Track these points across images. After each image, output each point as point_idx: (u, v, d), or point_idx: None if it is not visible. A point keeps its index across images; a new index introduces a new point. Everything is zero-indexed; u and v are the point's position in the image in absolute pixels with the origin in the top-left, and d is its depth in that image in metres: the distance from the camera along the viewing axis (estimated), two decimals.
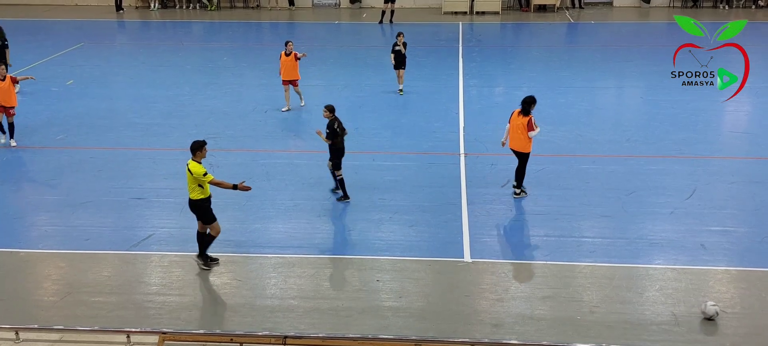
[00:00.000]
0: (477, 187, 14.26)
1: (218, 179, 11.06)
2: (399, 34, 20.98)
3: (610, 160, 15.64)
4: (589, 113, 19.24)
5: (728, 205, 13.45)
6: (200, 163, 10.96)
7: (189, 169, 10.88)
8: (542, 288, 10.78)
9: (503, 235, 12.42)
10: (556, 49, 28.47)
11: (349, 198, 13.73)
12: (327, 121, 13.45)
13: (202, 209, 11.08)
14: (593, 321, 9.94)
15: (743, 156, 16.11)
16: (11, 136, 16.73)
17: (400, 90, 21.09)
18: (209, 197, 11.11)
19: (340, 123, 13.48)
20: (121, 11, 36.11)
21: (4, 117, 16.69)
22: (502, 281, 10.99)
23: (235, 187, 10.97)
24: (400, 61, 20.79)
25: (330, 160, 13.76)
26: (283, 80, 19.20)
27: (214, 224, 11.19)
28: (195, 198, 11.02)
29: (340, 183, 13.72)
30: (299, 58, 19.04)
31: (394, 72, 21.19)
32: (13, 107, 16.69)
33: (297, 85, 19.38)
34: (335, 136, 13.36)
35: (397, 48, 20.70)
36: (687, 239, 12.15)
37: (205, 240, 11.32)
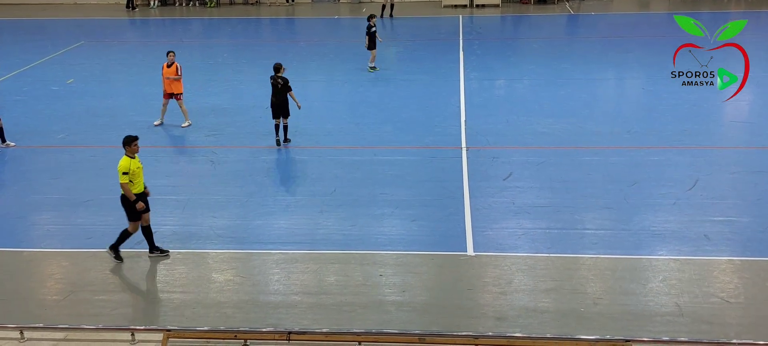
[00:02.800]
0: (479, 180, 14.25)
1: (128, 187, 11.05)
2: (372, 17, 22.52)
3: (612, 152, 15.62)
4: (590, 105, 19.21)
5: (730, 195, 13.44)
6: (133, 157, 11.10)
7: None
8: (545, 281, 10.77)
9: (506, 228, 12.40)
10: (557, 41, 28.43)
11: (289, 140, 16.48)
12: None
13: (123, 204, 11.23)
14: (597, 313, 9.94)
15: (745, 146, 16.09)
16: (3, 140, 16.52)
17: (375, 67, 22.69)
18: (142, 192, 11.25)
19: (277, 80, 16.12)
20: (135, 10, 36.00)
21: None
22: (505, 274, 10.98)
23: (134, 202, 11.08)
24: (374, 42, 22.34)
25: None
26: (165, 93, 17.84)
27: (135, 222, 11.30)
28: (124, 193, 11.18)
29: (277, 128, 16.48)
30: (175, 78, 17.61)
31: (369, 53, 22.72)
32: None
33: (180, 100, 17.85)
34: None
35: (373, 30, 22.22)
36: (690, 230, 12.13)
37: (123, 232, 11.43)
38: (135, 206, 11.14)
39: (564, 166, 14.89)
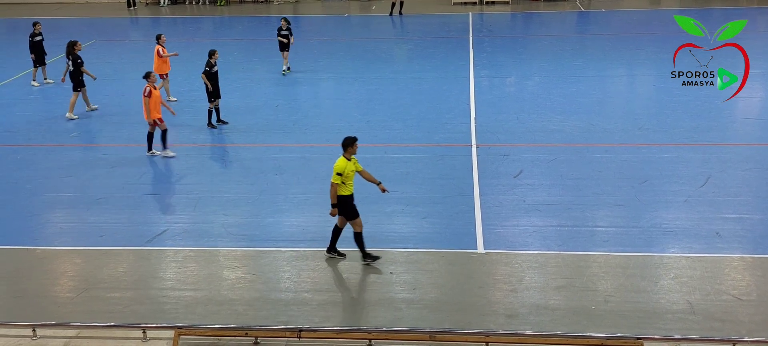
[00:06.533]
0: (489, 178, 14.24)
1: (336, 188, 10.74)
2: (284, 19, 22.54)
3: (623, 149, 15.58)
4: (601, 102, 19.16)
5: (742, 192, 13.38)
6: (349, 159, 10.78)
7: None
8: (556, 278, 10.75)
9: (516, 225, 12.39)
10: (567, 38, 28.36)
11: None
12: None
13: (342, 205, 10.91)
14: (608, 310, 9.92)
15: (757, 142, 16.01)
16: (164, 146, 16.08)
17: (288, 69, 22.71)
18: (352, 194, 10.92)
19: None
20: (133, 8, 36.26)
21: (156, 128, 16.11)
22: (515, 272, 10.98)
23: (333, 205, 10.83)
24: (285, 45, 22.37)
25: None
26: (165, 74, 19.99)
27: (356, 220, 10.98)
28: (338, 193, 10.85)
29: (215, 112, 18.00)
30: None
31: (281, 54, 22.72)
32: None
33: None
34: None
35: (283, 32, 22.23)
36: (701, 227, 12.09)
37: (336, 236, 11.18)
38: (348, 205, 10.83)
39: (575, 164, 14.86)
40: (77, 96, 19.11)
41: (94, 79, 19.62)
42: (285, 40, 22.30)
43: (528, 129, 17.00)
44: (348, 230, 11.17)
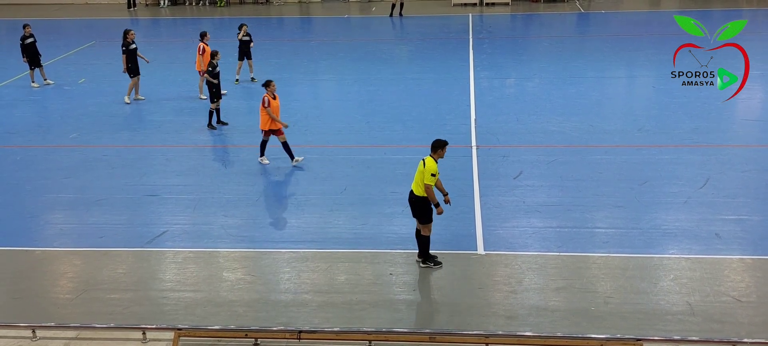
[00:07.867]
0: (489, 179, 14.25)
1: (432, 190, 10.58)
2: (242, 26, 21.70)
3: (622, 151, 15.58)
4: (601, 103, 19.17)
5: (742, 193, 13.38)
6: (437, 162, 10.72)
7: (423, 163, 10.68)
8: (556, 279, 10.76)
9: (516, 227, 12.39)
10: (567, 39, 28.37)
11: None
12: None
13: (422, 207, 10.79)
14: (607, 312, 9.92)
15: (756, 144, 16.02)
16: (292, 158, 15.25)
17: (239, 79, 21.97)
18: None
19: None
20: (133, 9, 36.30)
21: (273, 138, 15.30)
22: (515, 273, 10.98)
23: (436, 205, 10.65)
24: (245, 52, 21.67)
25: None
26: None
27: (428, 225, 10.87)
28: (418, 194, 10.76)
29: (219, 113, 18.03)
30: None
31: (241, 62, 21.84)
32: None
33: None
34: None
35: (244, 38, 21.53)
36: (701, 229, 12.09)
37: (423, 240, 11.04)
38: (432, 209, 10.70)
39: (574, 165, 14.87)
40: (136, 81, 20.18)
41: (148, 62, 20.71)
42: (246, 46, 21.54)
43: (528, 130, 17.01)
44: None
